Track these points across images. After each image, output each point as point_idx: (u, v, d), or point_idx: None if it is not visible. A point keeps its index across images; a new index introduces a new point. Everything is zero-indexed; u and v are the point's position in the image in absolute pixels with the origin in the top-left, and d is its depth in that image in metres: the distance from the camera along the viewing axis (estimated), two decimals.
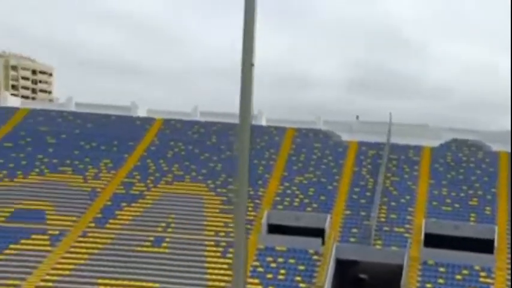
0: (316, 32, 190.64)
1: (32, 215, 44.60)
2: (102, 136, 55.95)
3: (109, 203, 46.99)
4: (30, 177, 49.12)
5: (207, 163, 53.13)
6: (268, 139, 57.43)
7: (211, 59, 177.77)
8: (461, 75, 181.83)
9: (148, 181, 49.94)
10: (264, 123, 60.98)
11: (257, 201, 48.21)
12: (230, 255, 41.19)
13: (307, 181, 51.26)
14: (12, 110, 58.58)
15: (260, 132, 58.32)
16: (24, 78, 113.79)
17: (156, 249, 41.92)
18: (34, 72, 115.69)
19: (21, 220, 43.97)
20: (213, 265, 40.63)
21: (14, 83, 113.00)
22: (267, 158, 54.35)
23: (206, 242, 43.05)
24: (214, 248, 42.39)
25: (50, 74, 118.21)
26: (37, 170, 50.06)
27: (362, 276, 47.33)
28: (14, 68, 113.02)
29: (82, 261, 40.26)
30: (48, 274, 38.72)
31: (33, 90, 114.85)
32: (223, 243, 42.92)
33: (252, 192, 49.21)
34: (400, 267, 45.27)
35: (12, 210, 44.85)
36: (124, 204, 46.88)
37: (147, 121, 59.28)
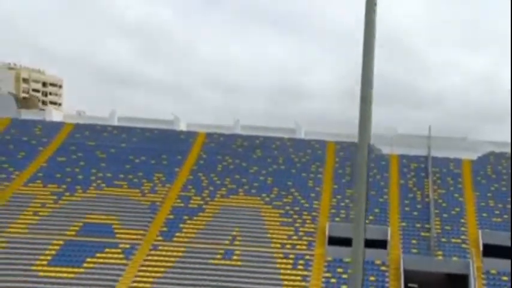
0: (311, 40, 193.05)
1: (101, 228, 45.47)
2: (149, 150, 56.93)
3: (171, 216, 48.02)
4: (89, 191, 49.96)
5: (257, 176, 54.43)
6: (312, 152, 58.93)
7: (212, 71, 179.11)
8: (460, 84, 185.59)
9: (204, 194, 51.08)
10: (303, 136, 62.43)
11: (314, 213, 49.64)
12: (301, 267, 42.69)
13: None
14: (58, 125, 59.30)
15: (302, 145, 59.87)
16: (35, 90, 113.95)
17: (228, 262, 43.07)
18: (44, 84, 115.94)
19: (92, 234, 44.83)
20: (287, 277, 41.90)
21: (25, 95, 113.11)
22: (314, 172, 55.85)
23: (275, 255, 44.29)
24: (285, 261, 43.69)
25: (60, 86, 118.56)
26: (94, 184, 50.89)
27: (412, 285, 48.85)
28: (25, 80, 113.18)
29: (160, 274, 41.28)
30: (130, 287, 39.63)
31: (44, 102, 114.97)
32: (292, 256, 44.27)
33: (307, 205, 50.78)
34: (446, 276, 47.53)
35: (81, 224, 45.67)
36: (186, 217, 47.97)
37: (190, 135, 60.39)
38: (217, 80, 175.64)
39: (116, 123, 61.62)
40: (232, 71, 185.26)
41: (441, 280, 49.55)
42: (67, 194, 49.29)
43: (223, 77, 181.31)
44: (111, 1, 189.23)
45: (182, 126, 62.57)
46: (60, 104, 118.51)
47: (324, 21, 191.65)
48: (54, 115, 61.63)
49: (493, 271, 43.77)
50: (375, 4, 9.68)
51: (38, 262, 41.31)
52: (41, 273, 40.32)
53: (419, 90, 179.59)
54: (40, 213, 46.48)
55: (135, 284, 40.05)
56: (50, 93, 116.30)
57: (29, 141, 56.07)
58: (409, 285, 48.92)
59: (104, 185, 51.13)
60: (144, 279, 40.65)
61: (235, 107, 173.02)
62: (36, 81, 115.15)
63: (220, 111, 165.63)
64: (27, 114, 61.25)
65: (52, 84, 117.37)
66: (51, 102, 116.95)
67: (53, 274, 40.38)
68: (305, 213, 49.66)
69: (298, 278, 41.96)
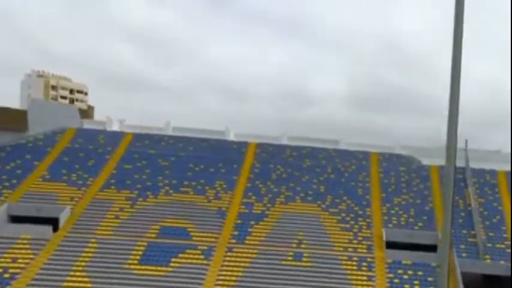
0: (315, 45, 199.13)
1: (177, 231, 50.44)
2: (206, 159, 61.94)
3: (239, 221, 53.05)
4: (159, 197, 54.89)
5: (310, 185, 59.59)
6: (356, 163, 64.18)
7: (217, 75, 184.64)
8: (465, 91, 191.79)
9: (264, 201, 56.17)
10: (344, 147, 67.75)
11: (368, 220, 54.84)
12: (365, 269, 47.93)
13: (405, 202, 58.14)
14: (119, 135, 64.19)
15: (347, 156, 65.16)
16: (63, 97, 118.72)
17: (299, 263, 48.17)
18: (71, 91, 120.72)
19: (170, 236, 49.79)
20: (354, 277, 47.06)
21: (82, 107, 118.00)
22: (362, 181, 61.10)
23: (339, 257, 49.44)
24: (349, 262, 48.87)
25: (86, 93, 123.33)
26: (163, 190, 55.84)
27: None
28: (54, 87, 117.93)
29: (240, 273, 46.30)
30: (217, 285, 44.64)
31: None
32: (355, 258, 49.45)
33: (360, 212, 55.99)
34: (483, 276, 53.04)
35: (158, 227, 50.62)
36: (252, 222, 53.03)
37: (242, 145, 65.50)
38: (222, 84, 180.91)
39: (170, 133, 66.61)
40: (237, 75, 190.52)
41: (479, 281, 54.91)
42: (140, 199, 54.20)
43: (227, 82, 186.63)
44: (116, 5, 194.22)
45: (232, 137, 67.68)
46: (85, 111, 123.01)
47: (329, 25, 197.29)
48: (113, 125, 66.50)
49: None
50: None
51: (129, 261, 46.21)
52: (135, 271, 45.22)
53: (425, 96, 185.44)
54: (120, 217, 51.36)
55: (220, 282, 45.06)
56: (77, 100, 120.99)
57: (95, 149, 60.92)
58: None
59: (171, 191, 56.07)
60: (227, 277, 45.66)
61: (242, 112, 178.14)
62: (64, 88, 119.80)
63: (226, 116, 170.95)
64: (88, 124, 66.18)
65: (79, 91, 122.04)
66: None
67: (145, 272, 45.32)
68: (360, 219, 54.85)
69: (364, 278, 47.14)
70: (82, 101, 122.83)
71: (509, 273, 49.31)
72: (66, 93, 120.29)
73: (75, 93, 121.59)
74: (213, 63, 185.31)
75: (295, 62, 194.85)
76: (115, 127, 67.10)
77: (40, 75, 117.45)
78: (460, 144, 67.21)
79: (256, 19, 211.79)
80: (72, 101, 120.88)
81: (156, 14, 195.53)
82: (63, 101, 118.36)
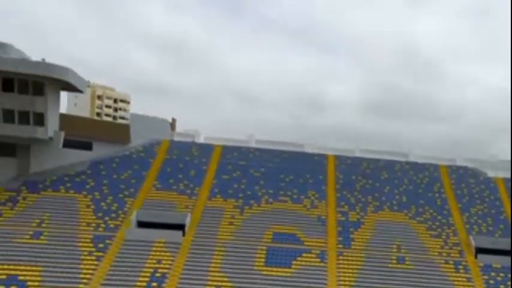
0: (329, 53, 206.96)
1: (289, 237, 57.15)
2: (293, 170, 68.68)
3: (339, 228, 59.89)
4: (262, 205, 61.53)
5: (392, 195, 66.57)
6: (429, 175, 71.30)
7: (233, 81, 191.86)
8: (477, 98, 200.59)
9: (357, 210, 63.03)
10: (413, 159, 74.90)
11: (453, 228, 61.90)
12: (462, 271, 54.99)
13: (481, 212, 65.30)
14: (209, 147, 70.66)
15: (418, 168, 72.28)
16: (107, 106, 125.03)
17: (403, 266, 55.11)
18: (115, 100, 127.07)
19: (284, 241, 56.46)
20: (454, 278, 54.09)
21: (98, 110, 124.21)
22: (438, 191, 68.22)
23: (437, 261, 56.42)
24: (447, 265, 55.89)
25: (128, 102, 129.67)
26: (263, 199, 62.48)
27: None
28: (99, 97, 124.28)
29: (355, 275, 53.12)
30: (339, 285, 51.47)
31: (114, 118, 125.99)
32: (451, 262, 56.47)
33: (444, 221, 63.10)
34: None
35: (271, 233, 57.29)
36: (351, 229, 59.88)
37: (321, 157, 72.27)
38: (238, 91, 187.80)
39: (254, 145, 73.27)
40: (253, 82, 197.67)
41: None
42: (246, 207, 60.81)
43: (244, 88, 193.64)
44: (135, 13, 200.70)
45: (309, 149, 74.51)
46: (128, 119, 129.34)
47: (343, 33, 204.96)
48: (201, 137, 73.05)
49: None
50: None
51: (256, 263, 52.84)
52: (263, 272, 51.87)
53: (438, 103, 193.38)
54: (234, 223, 57.97)
55: (341, 282, 51.87)
56: (120, 109, 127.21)
57: (192, 160, 67.45)
58: None
59: (271, 199, 62.73)
60: (346, 278, 52.46)
61: (255, 119, 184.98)
62: (109, 98, 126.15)
63: (239, 122, 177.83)
64: (178, 137, 72.69)
65: (122, 101, 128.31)
66: (121, 117, 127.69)
67: (271, 272, 51.97)
68: (445, 227, 61.89)
69: (464, 279, 54.16)
70: (125, 109, 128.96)
71: None
72: (110, 102, 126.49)
73: (118, 102, 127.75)
74: (230, 70, 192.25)
75: (310, 69, 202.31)
76: (201, 139, 73.58)
77: (87, 86, 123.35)
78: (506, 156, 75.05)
79: (273, 27, 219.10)
80: (116, 109, 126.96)
81: (176, 22, 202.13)
82: (107, 110, 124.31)
